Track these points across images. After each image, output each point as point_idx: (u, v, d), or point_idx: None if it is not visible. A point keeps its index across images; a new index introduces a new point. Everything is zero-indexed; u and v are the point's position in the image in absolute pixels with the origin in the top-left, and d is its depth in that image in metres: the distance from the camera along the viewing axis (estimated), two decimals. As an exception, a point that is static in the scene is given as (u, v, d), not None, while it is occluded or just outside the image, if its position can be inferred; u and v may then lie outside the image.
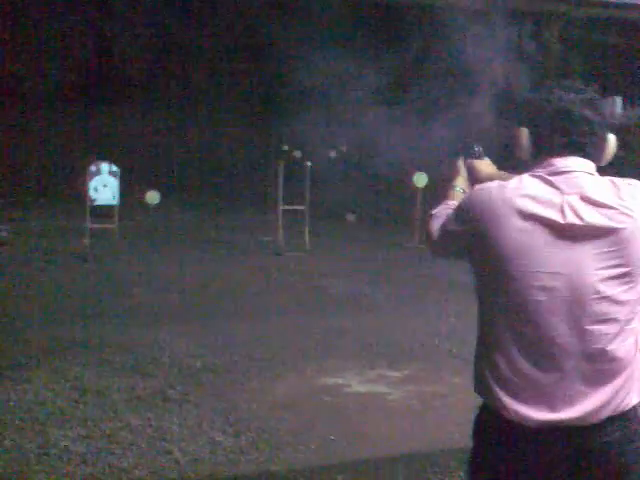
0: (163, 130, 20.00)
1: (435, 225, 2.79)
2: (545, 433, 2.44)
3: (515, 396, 2.45)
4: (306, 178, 13.74)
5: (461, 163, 3.08)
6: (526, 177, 2.51)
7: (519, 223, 2.42)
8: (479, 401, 2.60)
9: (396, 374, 7.04)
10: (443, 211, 2.83)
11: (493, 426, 2.55)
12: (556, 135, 2.52)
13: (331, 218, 17.01)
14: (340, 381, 6.81)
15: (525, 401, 2.44)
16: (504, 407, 2.46)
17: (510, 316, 2.48)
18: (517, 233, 2.42)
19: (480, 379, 2.57)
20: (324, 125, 20.35)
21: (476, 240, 2.53)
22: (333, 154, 18.48)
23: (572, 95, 2.54)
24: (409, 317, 9.15)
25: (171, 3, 19.83)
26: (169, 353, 7.39)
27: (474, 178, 2.99)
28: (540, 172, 2.50)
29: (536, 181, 2.48)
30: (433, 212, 2.87)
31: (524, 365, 2.45)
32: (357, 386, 6.72)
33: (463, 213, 2.60)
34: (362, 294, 10.38)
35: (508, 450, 2.51)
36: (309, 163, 13.93)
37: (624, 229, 2.37)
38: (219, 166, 19.94)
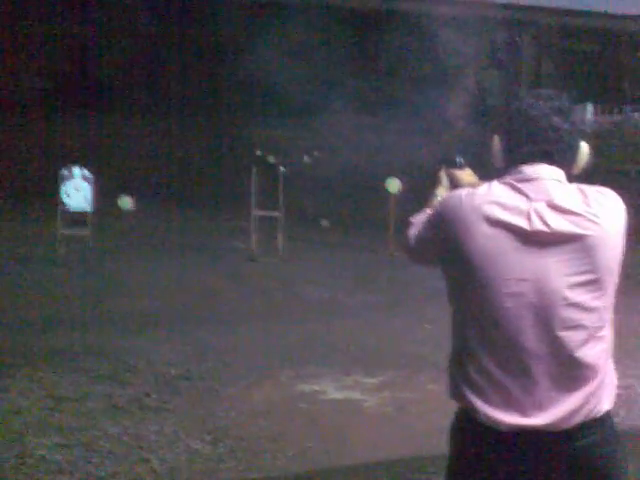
0: (136, 136, 19.92)
1: (412, 232, 2.82)
2: (518, 438, 2.46)
3: (487, 400, 2.48)
4: (280, 183, 13.75)
5: (443, 173, 3.12)
6: (495, 184, 2.54)
7: (487, 230, 2.45)
8: (455, 407, 2.64)
9: (372, 380, 7.07)
10: (420, 219, 2.85)
11: (468, 431, 2.58)
12: (525, 143, 2.55)
13: (305, 224, 17.02)
14: (316, 388, 6.83)
15: (496, 405, 2.47)
16: (476, 411, 2.49)
17: (480, 322, 2.51)
18: (485, 239, 2.45)
19: (453, 384, 2.60)
20: (298, 130, 20.43)
21: (447, 246, 2.56)
22: (307, 159, 18.52)
23: (542, 103, 2.57)
24: (384, 323, 9.18)
25: (144, 10, 19.79)
26: (145, 361, 7.38)
27: (455, 187, 3.03)
28: (509, 179, 2.53)
29: (504, 188, 2.51)
30: (412, 219, 2.90)
31: (494, 371, 2.48)
32: (333, 393, 6.74)
33: (435, 219, 2.64)
34: (337, 300, 10.40)
35: (483, 455, 2.53)
36: (283, 168, 13.94)
37: (591, 236, 2.40)
38: (192, 171, 19.90)
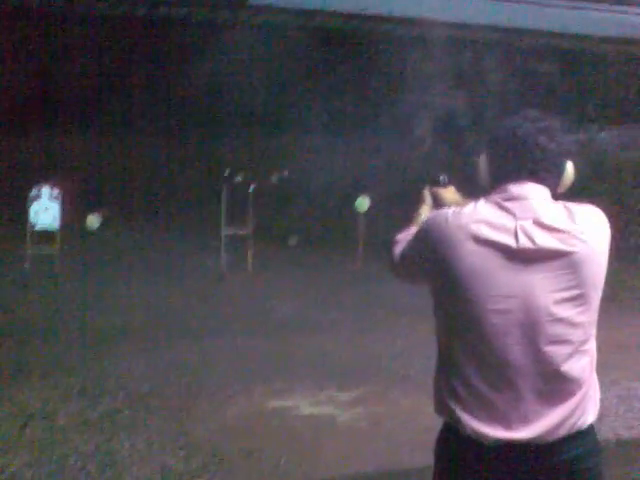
0: (104, 154, 19.84)
1: (397, 250, 2.85)
2: (504, 451, 2.48)
3: (473, 415, 2.49)
4: (249, 202, 13.75)
5: (426, 191, 3.14)
6: (481, 203, 2.57)
7: (473, 247, 2.47)
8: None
9: (345, 396, 7.06)
10: (405, 237, 2.88)
11: (453, 445, 2.59)
12: (511, 162, 2.59)
13: (273, 242, 17.01)
14: (289, 403, 6.81)
15: (482, 420, 2.48)
16: (463, 425, 2.50)
17: (466, 338, 2.53)
18: (472, 257, 2.47)
19: (439, 399, 2.62)
20: (265, 149, 20.44)
21: (433, 263, 2.58)
22: (275, 178, 18.53)
23: (529, 123, 2.60)
24: (356, 339, 9.17)
25: (108, 27, 19.74)
26: (116, 377, 7.33)
27: (439, 206, 3.05)
28: (495, 198, 2.56)
29: (491, 206, 2.53)
30: (396, 237, 2.92)
31: (480, 386, 2.50)
32: (306, 408, 6.72)
33: (421, 237, 2.66)
34: (307, 317, 10.39)
35: (469, 468, 2.55)
36: (252, 187, 13.93)
37: (576, 252, 2.43)
38: (160, 190, 19.84)
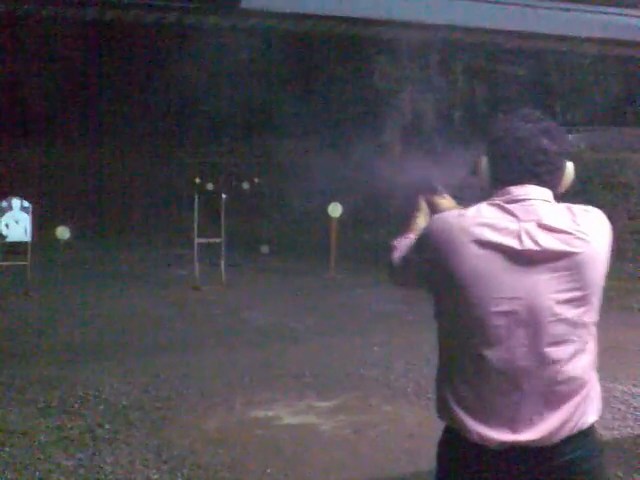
0: (75, 165, 19.72)
1: (396, 255, 2.84)
2: (507, 454, 2.47)
3: (477, 418, 2.48)
4: (222, 210, 13.71)
5: (422, 199, 3.14)
6: (484, 206, 2.56)
7: (477, 250, 2.47)
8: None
9: (326, 404, 7.03)
10: (403, 242, 2.87)
11: (456, 449, 2.58)
12: (513, 164, 2.58)
13: (245, 250, 16.98)
14: (270, 413, 6.77)
15: (487, 423, 2.47)
16: (466, 429, 2.49)
17: (469, 341, 2.51)
18: (475, 260, 2.46)
19: (442, 403, 2.60)
20: (236, 157, 20.40)
21: (436, 267, 2.57)
22: (246, 186, 18.52)
23: (530, 125, 2.60)
24: (333, 347, 9.17)
25: (79, 37, 19.61)
26: (94, 391, 7.25)
27: (434, 213, 3.04)
28: (497, 200, 2.55)
29: (493, 209, 2.53)
30: (394, 243, 2.91)
31: (484, 388, 2.49)
32: (288, 418, 6.68)
33: (423, 242, 2.65)
34: (284, 325, 10.37)
35: (472, 472, 2.54)
36: (224, 195, 13.90)
37: (580, 253, 2.44)
38: (131, 200, 19.74)
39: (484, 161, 2.66)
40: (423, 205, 3.13)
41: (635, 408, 6.77)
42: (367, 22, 5.77)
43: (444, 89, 19.71)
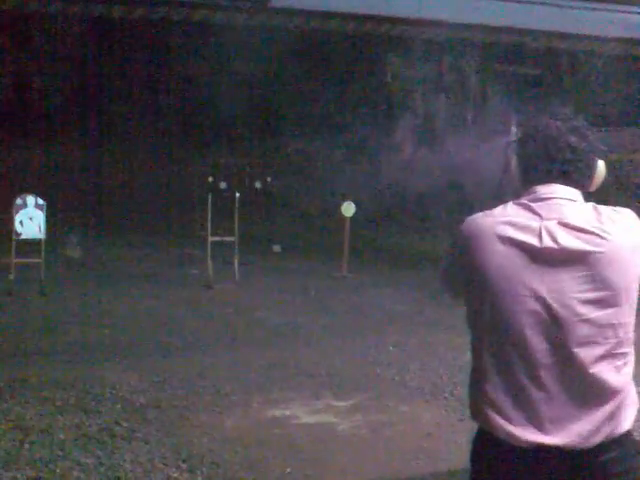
0: (90, 164, 19.76)
1: (442, 264, 2.82)
2: (538, 455, 2.46)
3: (506, 417, 2.48)
4: (235, 209, 13.70)
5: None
6: (510, 204, 2.57)
7: (500, 248, 2.47)
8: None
9: (342, 404, 7.03)
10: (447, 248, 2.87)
11: (489, 449, 2.58)
12: (541, 162, 2.58)
13: (257, 249, 16.98)
14: (287, 413, 6.77)
15: (516, 423, 2.47)
16: (496, 428, 2.49)
17: (495, 340, 2.52)
18: (499, 258, 2.47)
19: (474, 404, 2.60)
20: (249, 157, 20.41)
21: (465, 268, 2.57)
22: (259, 185, 18.52)
23: (559, 123, 2.60)
24: (347, 347, 9.16)
25: (91, 38, 19.65)
26: (110, 389, 7.25)
27: None
28: (524, 199, 2.56)
29: (519, 208, 2.54)
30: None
31: (511, 388, 2.49)
32: (305, 417, 6.68)
33: (455, 244, 2.65)
34: (298, 325, 10.36)
35: (503, 471, 2.53)
36: (238, 194, 13.89)
37: (602, 253, 2.41)
38: (146, 199, 19.76)
39: (514, 160, 2.66)
40: None
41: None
42: (394, 20, 5.77)
43: (456, 90, 19.70)
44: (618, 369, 2.47)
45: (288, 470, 5.47)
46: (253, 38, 15.84)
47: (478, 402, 2.57)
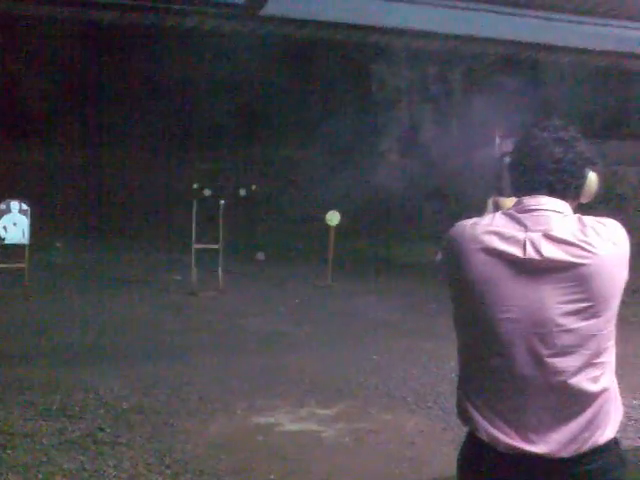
0: (74, 169, 19.68)
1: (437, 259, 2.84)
2: (521, 462, 2.48)
3: (491, 422, 2.50)
4: (220, 216, 13.70)
5: (490, 200, 3.12)
6: (498, 214, 2.59)
7: (484, 258, 2.49)
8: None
9: (326, 411, 7.03)
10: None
11: (475, 453, 2.60)
12: (526, 173, 2.60)
13: (241, 256, 16.98)
14: (272, 420, 6.77)
15: (500, 428, 2.49)
16: (479, 430, 2.51)
17: (479, 347, 2.55)
18: (482, 267, 2.49)
19: (461, 407, 2.62)
20: (233, 163, 20.40)
21: (451, 273, 2.60)
22: (243, 192, 18.49)
23: (545, 134, 2.61)
24: (331, 355, 9.17)
25: (83, 40, 19.59)
26: (94, 394, 7.24)
27: None
28: (511, 210, 2.58)
29: (506, 218, 2.55)
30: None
31: (492, 395, 2.51)
32: (289, 425, 6.68)
33: (444, 247, 2.67)
34: (282, 333, 10.36)
35: (490, 477, 2.55)
36: (222, 201, 13.89)
37: (585, 264, 2.42)
38: (129, 204, 19.70)
39: (505, 171, 2.69)
40: (490, 206, 3.11)
41: (636, 420, 6.80)
42: (383, 30, 5.80)
43: (442, 100, 19.77)
44: (596, 378, 2.49)
45: (272, 477, 5.47)
46: (241, 45, 15.86)
47: (464, 405, 2.59)
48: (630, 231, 2.59)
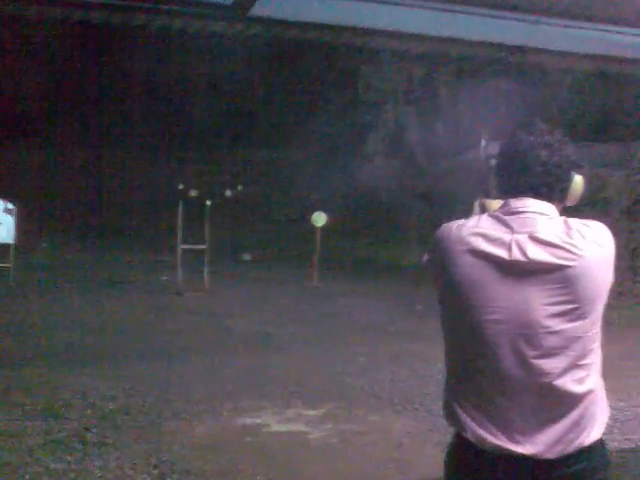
0: (61, 169, 19.61)
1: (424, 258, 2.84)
2: (507, 463, 2.49)
3: (477, 423, 2.51)
4: (206, 217, 13.69)
5: (477, 202, 3.13)
6: (484, 216, 2.61)
7: (470, 259, 2.50)
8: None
9: (313, 413, 7.04)
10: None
11: (462, 454, 2.61)
12: (512, 176, 2.61)
13: (227, 257, 16.97)
14: (258, 421, 6.76)
15: (486, 429, 2.50)
16: (465, 430, 2.52)
17: (464, 348, 2.56)
18: (469, 269, 2.50)
19: (447, 407, 2.63)
20: (219, 165, 20.39)
21: (438, 274, 2.61)
22: (229, 193, 18.50)
23: (532, 137, 2.62)
24: (318, 356, 9.17)
25: (72, 41, 19.53)
26: (80, 395, 7.22)
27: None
28: (497, 212, 2.59)
29: (492, 220, 2.56)
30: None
31: (482, 396, 2.52)
32: (276, 426, 6.68)
33: (431, 248, 2.68)
34: (268, 333, 10.36)
35: (474, 476, 2.56)
36: (209, 202, 13.88)
37: (570, 267, 2.44)
38: (114, 205, 19.66)
39: (491, 173, 2.70)
40: (476, 207, 3.12)
41: (622, 422, 6.83)
42: (372, 32, 5.80)
43: (427, 102, 19.79)
44: (582, 380, 2.50)
45: (258, 478, 5.46)
46: (228, 47, 15.85)
47: (451, 406, 2.60)
48: (615, 234, 2.60)
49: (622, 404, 7.31)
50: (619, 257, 2.57)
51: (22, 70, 19.87)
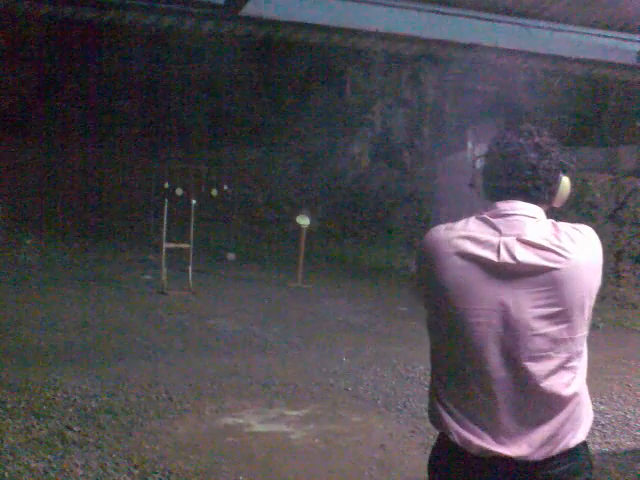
0: (43, 167, 19.54)
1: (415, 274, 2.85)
2: (492, 464, 2.50)
3: (462, 425, 2.52)
4: (191, 216, 13.66)
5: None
6: (472, 219, 2.60)
7: (458, 262, 2.50)
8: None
9: (295, 413, 7.02)
10: None
11: (446, 456, 2.61)
12: (501, 179, 2.61)
13: (211, 256, 16.94)
14: (240, 421, 6.74)
15: (472, 431, 2.50)
16: (450, 432, 2.53)
17: (451, 350, 2.56)
18: (456, 271, 2.50)
19: (432, 409, 2.63)
20: (204, 164, 20.33)
21: (425, 277, 2.60)
22: (215, 192, 18.47)
23: (521, 139, 2.62)
24: (301, 356, 9.16)
25: (51, 39, 19.46)
26: (62, 393, 7.18)
27: None
28: (485, 214, 2.59)
29: (480, 223, 2.57)
30: None
31: (468, 398, 2.53)
32: (258, 426, 6.66)
33: (418, 252, 2.68)
34: (251, 333, 10.34)
35: (459, 478, 2.56)
36: (194, 201, 13.85)
37: (558, 269, 2.44)
38: (97, 203, 19.60)
39: (479, 175, 2.69)
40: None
41: (603, 425, 6.85)
42: (361, 33, 5.81)
43: (414, 104, 19.80)
44: (568, 383, 2.51)
45: (240, 478, 5.45)
46: (215, 46, 15.83)
47: (436, 408, 2.60)
48: (600, 237, 2.61)
49: (603, 407, 7.34)
50: (603, 261, 2.58)
51: (7, 67, 19.77)
